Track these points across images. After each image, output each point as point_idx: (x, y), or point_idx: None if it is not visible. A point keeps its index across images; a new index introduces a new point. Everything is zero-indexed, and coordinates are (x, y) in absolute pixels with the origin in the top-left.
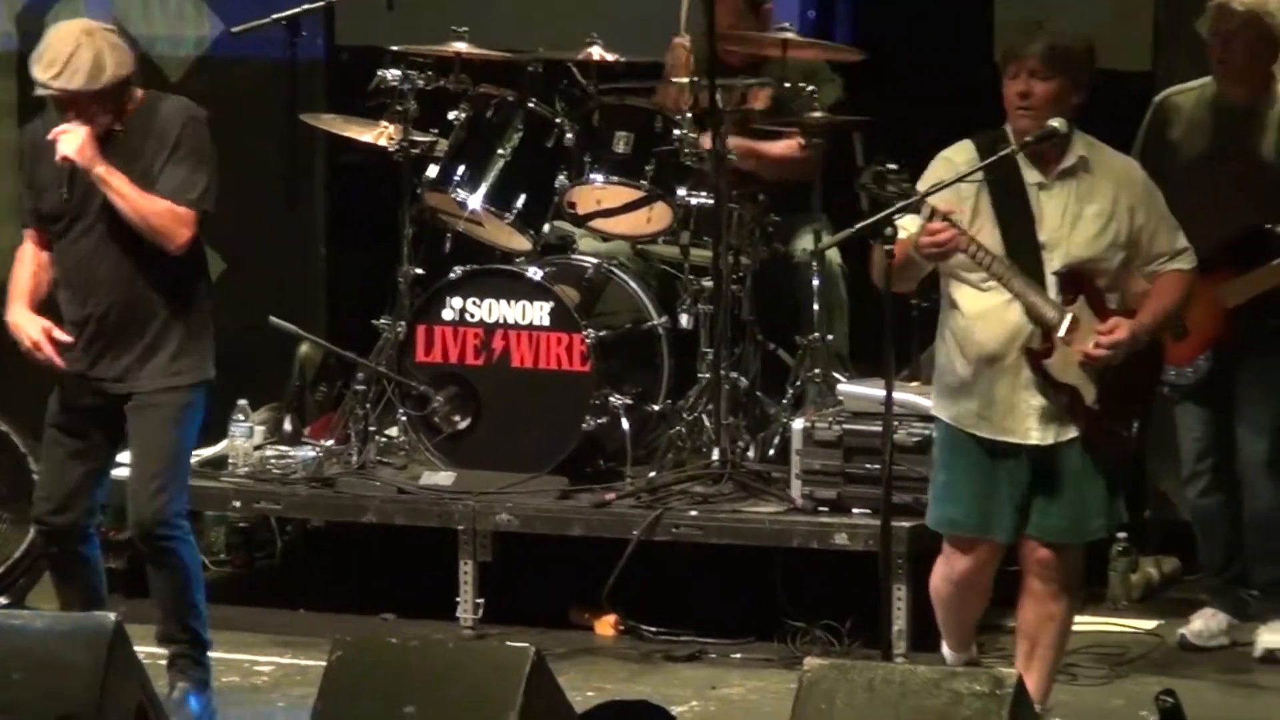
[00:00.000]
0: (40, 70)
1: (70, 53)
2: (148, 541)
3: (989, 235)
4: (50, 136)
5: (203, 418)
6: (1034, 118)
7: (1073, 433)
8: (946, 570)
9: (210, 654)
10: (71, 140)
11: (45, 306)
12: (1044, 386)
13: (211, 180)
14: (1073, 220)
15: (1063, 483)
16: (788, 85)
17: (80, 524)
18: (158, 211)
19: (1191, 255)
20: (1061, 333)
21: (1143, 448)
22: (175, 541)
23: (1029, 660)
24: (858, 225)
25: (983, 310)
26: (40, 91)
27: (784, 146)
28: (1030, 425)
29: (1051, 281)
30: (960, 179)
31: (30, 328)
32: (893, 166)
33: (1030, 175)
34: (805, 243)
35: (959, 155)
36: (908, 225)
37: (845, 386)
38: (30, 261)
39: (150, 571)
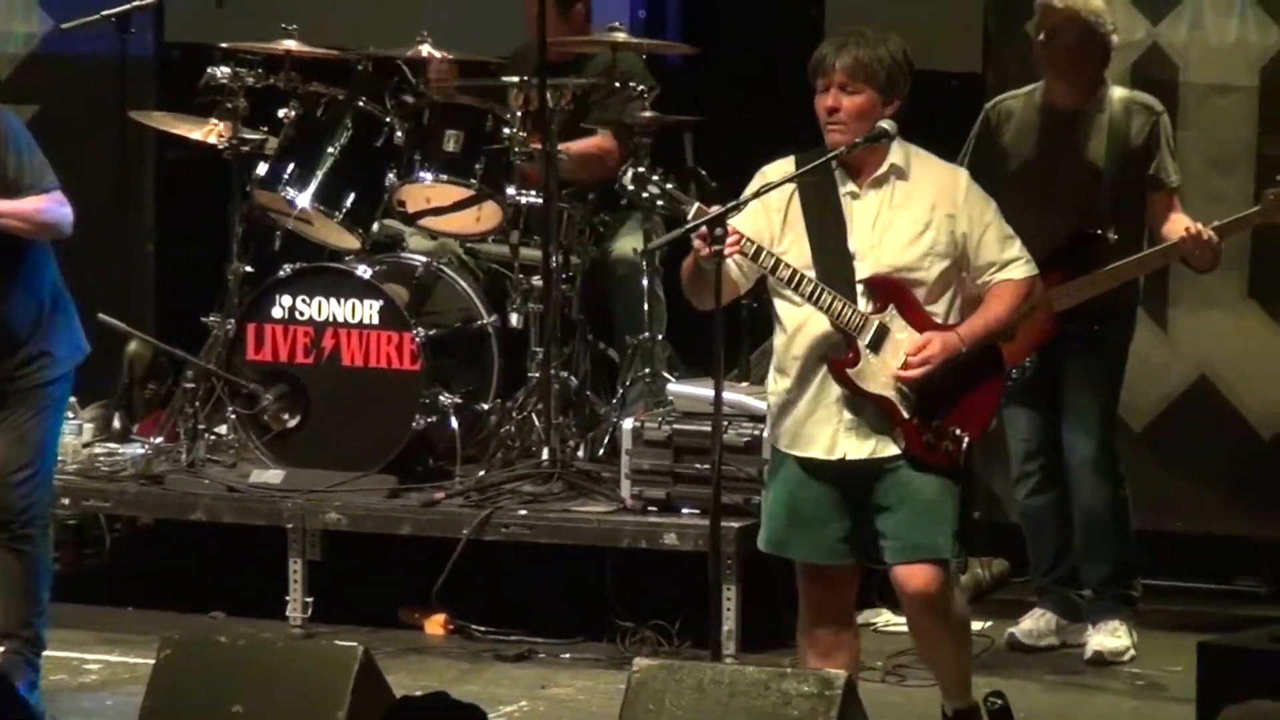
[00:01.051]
0: None
1: None
2: (10, 529)
3: (799, 246)
4: None
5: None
6: (844, 132)
7: (894, 449)
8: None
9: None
10: None
11: None
12: (852, 399)
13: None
14: (884, 228)
15: (888, 501)
16: (619, 85)
17: None
18: (40, 209)
19: (1025, 265)
20: (865, 341)
21: (971, 449)
22: (37, 530)
23: (933, 668)
24: (688, 225)
25: (800, 323)
26: None
27: (583, 145)
28: (839, 440)
29: (861, 290)
30: (759, 192)
31: None
32: (658, 170)
33: (844, 185)
34: (628, 242)
35: (776, 171)
36: (740, 226)
37: (675, 386)
38: None
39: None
